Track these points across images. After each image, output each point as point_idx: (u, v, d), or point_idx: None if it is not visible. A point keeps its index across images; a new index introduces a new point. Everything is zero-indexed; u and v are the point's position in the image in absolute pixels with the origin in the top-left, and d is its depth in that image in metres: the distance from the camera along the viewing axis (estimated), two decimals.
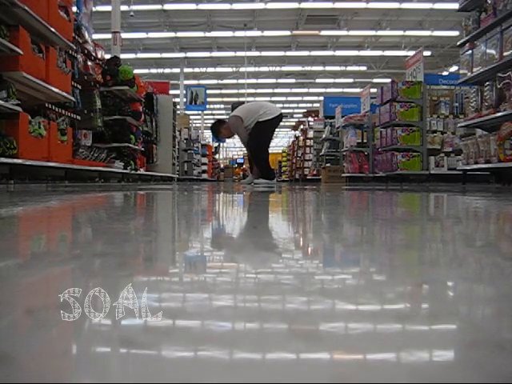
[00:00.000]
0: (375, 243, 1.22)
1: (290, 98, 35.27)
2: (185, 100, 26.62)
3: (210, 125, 7.88)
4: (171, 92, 16.96)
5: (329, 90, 30.74)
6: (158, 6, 20.19)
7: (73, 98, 7.14)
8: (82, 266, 0.80)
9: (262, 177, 7.39)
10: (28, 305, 0.56)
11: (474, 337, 0.45)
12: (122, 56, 12.27)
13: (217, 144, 36.40)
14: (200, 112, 30.42)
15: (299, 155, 23.40)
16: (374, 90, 13.45)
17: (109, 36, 12.27)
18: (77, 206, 2.77)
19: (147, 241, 1.16)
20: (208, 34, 23.29)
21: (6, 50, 5.17)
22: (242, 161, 50.62)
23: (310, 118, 23.20)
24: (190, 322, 0.49)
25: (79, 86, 7.66)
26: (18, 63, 5.33)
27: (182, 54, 26.13)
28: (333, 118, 16.95)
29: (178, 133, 16.69)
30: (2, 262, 0.86)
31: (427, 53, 20.88)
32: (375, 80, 26.78)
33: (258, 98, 29.97)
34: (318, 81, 30.58)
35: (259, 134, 7.25)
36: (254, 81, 29.39)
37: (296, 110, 38.87)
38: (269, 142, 7.66)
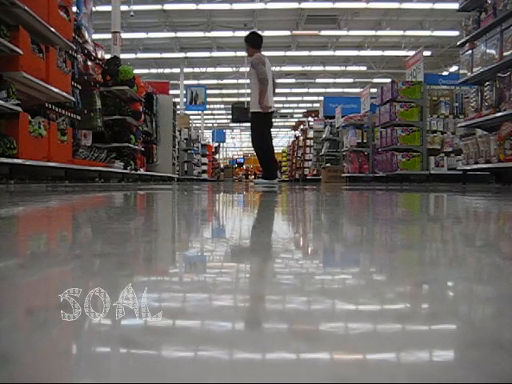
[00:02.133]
0: (375, 243, 1.22)
1: (290, 98, 35.25)
2: (185, 100, 26.61)
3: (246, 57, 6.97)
4: (171, 92, 16.95)
5: (329, 90, 30.71)
6: (158, 6, 20.17)
7: (73, 98, 7.14)
8: (81, 265, 0.80)
9: (264, 176, 7.09)
10: (28, 304, 0.56)
11: (474, 337, 0.45)
12: (122, 56, 12.26)
13: (217, 144, 36.43)
14: (200, 112, 30.40)
15: (299, 155, 23.40)
16: (374, 90, 13.45)
17: (109, 36, 12.26)
18: (77, 206, 2.77)
19: (147, 241, 1.16)
20: (208, 34, 23.27)
21: (6, 50, 5.17)
22: (242, 161, 50.60)
23: (310, 118, 23.20)
24: (190, 322, 0.49)
25: (79, 86, 7.66)
26: (18, 63, 5.33)
27: (182, 54, 26.11)
28: (333, 118, 16.95)
29: (178, 133, 16.68)
30: (2, 261, 0.86)
31: (427, 53, 20.85)
32: (375, 80, 26.77)
33: None
34: (318, 81, 30.56)
35: (258, 125, 6.94)
36: None
37: (296, 110, 38.86)
38: (268, 135, 7.10)
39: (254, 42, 7.05)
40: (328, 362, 0.39)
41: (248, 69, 7.16)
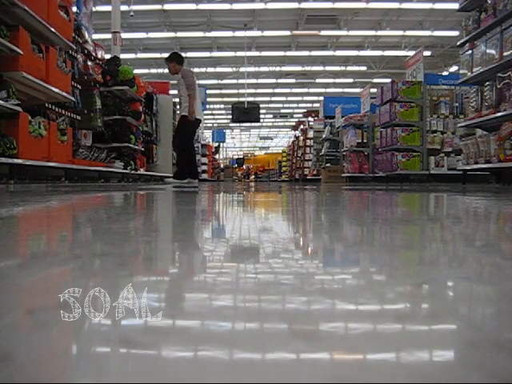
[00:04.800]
0: (375, 243, 1.22)
1: (290, 98, 35.21)
2: None
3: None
4: (171, 92, 16.94)
5: (329, 90, 30.70)
6: (158, 6, 20.17)
7: (73, 98, 7.13)
8: (81, 265, 0.80)
9: (175, 176, 7.95)
10: (28, 304, 0.56)
11: (474, 337, 0.45)
12: (122, 56, 12.26)
13: (217, 144, 36.40)
14: None
15: (299, 155, 23.41)
16: (374, 90, 13.44)
17: (109, 36, 12.26)
18: (77, 206, 2.77)
19: (147, 241, 1.16)
20: (208, 34, 23.26)
21: (6, 50, 5.17)
22: (242, 160, 50.52)
23: (309, 118, 23.20)
24: (190, 322, 0.49)
25: (79, 86, 7.65)
26: (18, 63, 5.33)
27: (181, 54, 26.10)
28: (333, 118, 16.95)
29: None
30: (2, 261, 0.86)
31: (427, 53, 20.84)
32: (375, 80, 26.75)
33: (257, 98, 29.97)
34: (318, 81, 30.54)
35: (183, 128, 7.76)
36: (254, 81, 29.35)
37: (296, 110, 38.83)
38: (191, 141, 8.11)
39: (179, 60, 8.17)
40: (328, 362, 0.39)
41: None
